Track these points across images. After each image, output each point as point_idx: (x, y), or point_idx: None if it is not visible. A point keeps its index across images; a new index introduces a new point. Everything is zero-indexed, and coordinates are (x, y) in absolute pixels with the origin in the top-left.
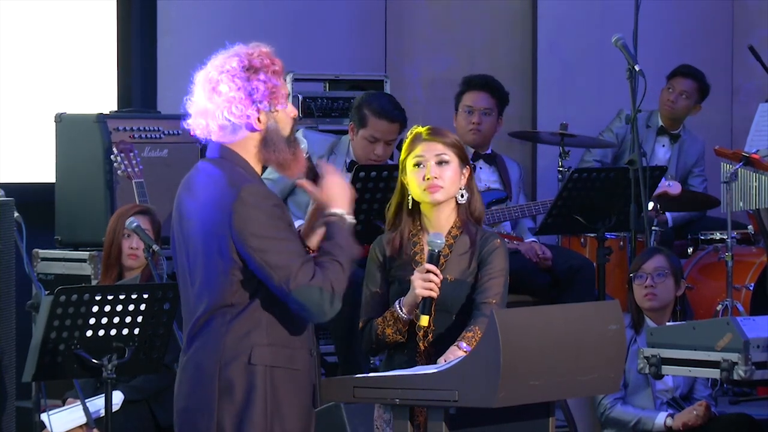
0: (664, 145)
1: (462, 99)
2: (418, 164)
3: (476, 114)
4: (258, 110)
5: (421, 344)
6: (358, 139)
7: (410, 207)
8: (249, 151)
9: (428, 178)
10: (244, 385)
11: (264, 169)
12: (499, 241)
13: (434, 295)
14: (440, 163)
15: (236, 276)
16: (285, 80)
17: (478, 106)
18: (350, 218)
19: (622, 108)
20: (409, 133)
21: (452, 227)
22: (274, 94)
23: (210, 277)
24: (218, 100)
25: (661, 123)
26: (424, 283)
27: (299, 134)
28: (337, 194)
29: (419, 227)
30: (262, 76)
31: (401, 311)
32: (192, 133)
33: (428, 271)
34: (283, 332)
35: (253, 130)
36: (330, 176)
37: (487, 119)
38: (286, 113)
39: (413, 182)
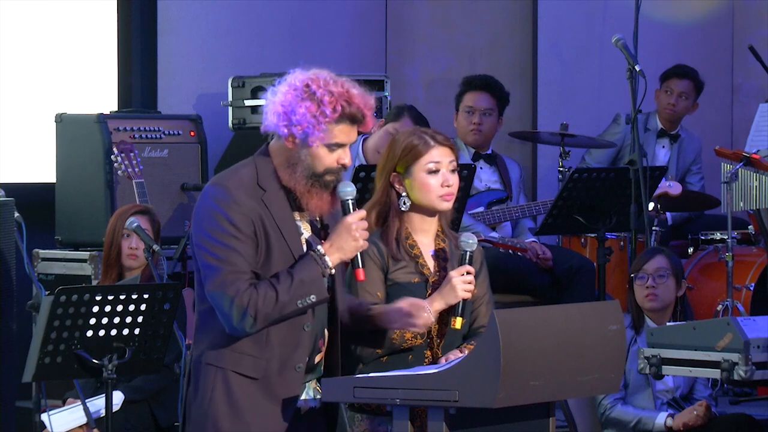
0: (664, 146)
1: (462, 99)
2: (434, 170)
3: (477, 114)
4: (290, 131)
5: (435, 348)
6: (382, 132)
7: (405, 210)
8: (279, 159)
9: (449, 186)
10: (196, 382)
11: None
12: (482, 249)
13: (470, 296)
14: (452, 170)
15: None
16: (347, 127)
17: (479, 106)
18: (330, 264)
19: (619, 113)
20: (407, 134)
21: (438, 233)
22: (310, 128)
23: (195, 272)
24: (272, 100)
25: (660, 125)
26: (466, 285)
27: (342, 183)
28: (337, 237)
29: (408, 231)
30: (305, 108)
31: (430, 314)
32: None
33: (467, 273)
34: (244, 339)
35: (285, 145)
36: (346, 220)
37: (487, 119)
38: (328, 156)
39: (426, 188)
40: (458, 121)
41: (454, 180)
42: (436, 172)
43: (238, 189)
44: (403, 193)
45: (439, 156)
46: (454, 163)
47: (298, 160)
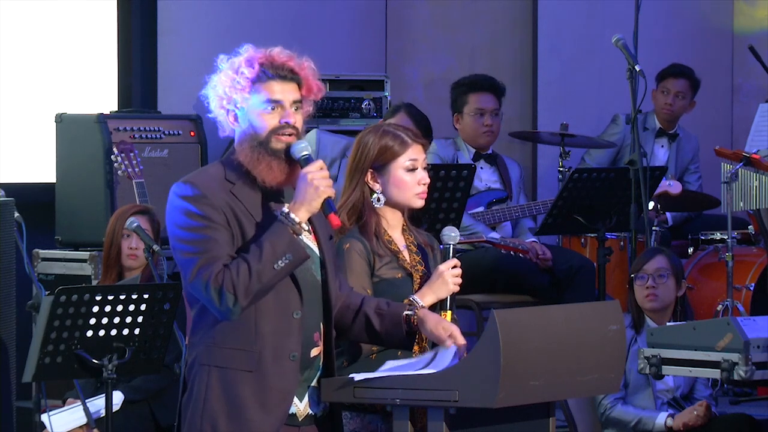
0: (663, 146)
1: (467, 101)
2: (412, 168)
3: (488, 116)
4: (225, 109)
5: (423, 342)
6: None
7: (378, 207)
8: (239, 149)
9: (424, 184)
10: (191, 383)
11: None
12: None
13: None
14: (425, 168)
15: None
16: (278, 85)
17: (489, 107)
18: (297, 219)
19: (617, 113)
20: (380, 132)
21: (403, 227)
22: (235, 93)
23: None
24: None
25: (658, 125)
26: (455, 279)
27: (295, 142)
28: (298, 192)
29: (383, 227)
30: (225, 78)
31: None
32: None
33: (455, 266)
34: (233, 333)
35: (233, 130)
36: (301, 172)
37: (496, 120)
38: (267, 117)
39: (403, 185)
40: (463, 122)
41: (428, 178)
42: (413, 170)
43: (204, 183)
44: (378, 190)
45: (416, 154)
46: (426, 161)
47: (244, 135)
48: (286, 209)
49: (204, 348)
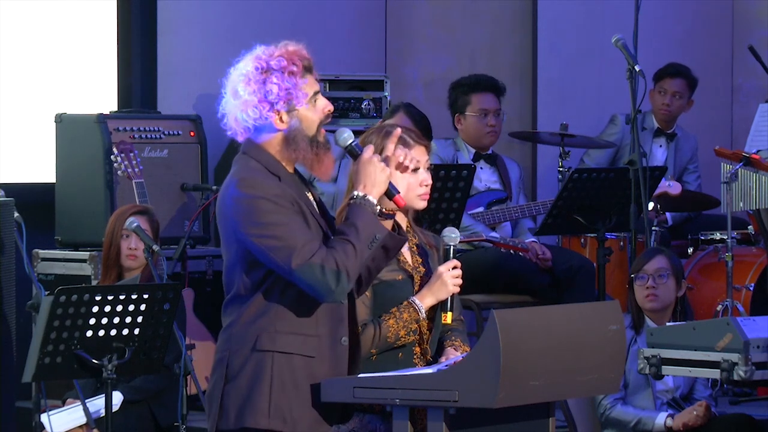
0: (661, 146)
1: (470, 101)
2: (414, 170)
3: (491, 116)
4: (277, 111)
5: (424, 344)
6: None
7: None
8: (275, 148)
9: (427, 185)
10: (249, 372)
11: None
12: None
13: (459, 290)
14: (427, 169)
15: (243, 265)
16: (310, 77)
17: (492, 107)
18: (374, 201)
19: (616, 113)
20: (383, 134)
21: (408, 229)
22: (290, 94)
23: (227, 268)
24: (237, 102)
25: (656, 125)
26: (455, 280)
27: (337, 132)
28: (365, 176)
29: None
30: (275, 78)
31: (422, 310)
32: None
33: (454, 267)
34: (295, 319)
35: (276, 130)
36: (363, 157)
37: (499, 120)
38: (313, 111)
39: (406, 187)
40: (465, 123)
41: (430, 179)
42: (415, 171)
43: (262, 177)
44: None
45: (419, 155)
46: (429, 162)
47: (295, 133)
48: (360, 193)
49: (265, 334)
